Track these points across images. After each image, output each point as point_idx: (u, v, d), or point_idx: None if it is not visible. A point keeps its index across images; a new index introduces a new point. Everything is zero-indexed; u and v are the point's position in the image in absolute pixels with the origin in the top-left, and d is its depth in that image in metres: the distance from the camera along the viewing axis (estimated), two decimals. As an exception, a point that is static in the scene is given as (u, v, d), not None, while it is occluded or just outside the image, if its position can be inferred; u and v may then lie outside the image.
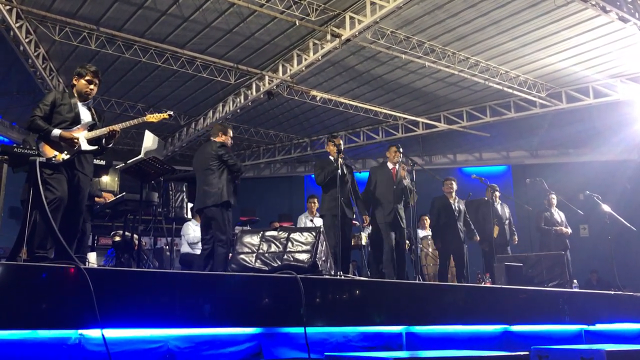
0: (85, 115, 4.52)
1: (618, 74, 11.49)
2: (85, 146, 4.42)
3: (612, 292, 6.68)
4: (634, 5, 8.82)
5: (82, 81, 4.51)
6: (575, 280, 8.66)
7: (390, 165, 7.37)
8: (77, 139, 4.36)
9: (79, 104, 4.51)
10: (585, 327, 5.75)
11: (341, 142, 7.06)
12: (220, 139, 6.05)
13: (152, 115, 4.94)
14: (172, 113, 4.93)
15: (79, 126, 4.43)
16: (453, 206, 8.40)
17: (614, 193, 11.67)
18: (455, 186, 8.56)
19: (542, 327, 5.43)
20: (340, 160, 6.62)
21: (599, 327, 5.86)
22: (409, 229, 8.07)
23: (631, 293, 7.06)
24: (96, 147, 4.50)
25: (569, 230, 9.40)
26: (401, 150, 7.46)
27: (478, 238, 8.68)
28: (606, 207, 9.03)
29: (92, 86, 4.54)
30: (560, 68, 11.43)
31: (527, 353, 3.66)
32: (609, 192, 10.53)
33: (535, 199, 10.45)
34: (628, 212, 9.65)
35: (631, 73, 11.41)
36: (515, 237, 9.33)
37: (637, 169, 13.95)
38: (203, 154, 6.03)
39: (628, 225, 9.06)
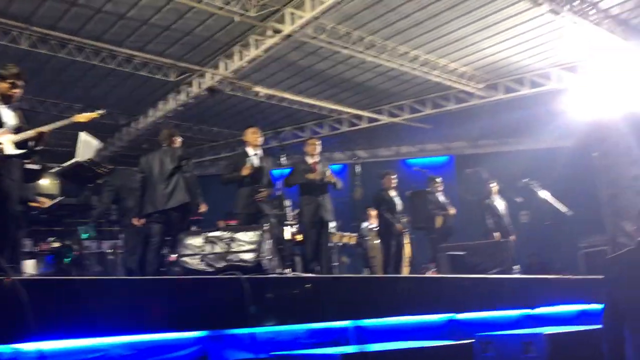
0: (9, 118, 4.32)
1: (553, 64, 11.87)
2: (11, 150, 4.23)
3: (552, 276, 6.92)
4: (564, -2, 9.13)
5: (3, 83, 4.31)
6: (517, 266, 8.93)
7: (309, 159, 7.33)
8: (1, 143, 4.18)
9: (2, 107, 4.31)
10: (527, 311, 5.94)
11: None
12: (177, 144, 6.80)
13: (81, 115, 4.76)
14: (102, 111, 4.77)
15: (2, 130, 4.24)
16: (394, 200, 8.63)
17: (550, 179, 12.10)
18: (396, 180, 8.77)
19: (486, 314, 5.57)
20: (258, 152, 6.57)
21: (540, 310, 6.07)
22: (356, 222, 8.19)
23: (569, 276, 7.35)
24: (24, 150, 4.32)
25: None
26: (318, 143, 7.44)
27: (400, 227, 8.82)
28: (544, 193, 9.36)
29: (15, 89, 4.34)
30: (497, 59, 11.72)
31: (471, 341, 3.74)
32: (546, 178, 10.91)
33: (477, 188, 10.71)
34: (564, 197, 10.02)
35: (565, 63, 11.81)
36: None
37: (571, 156, 14.49)
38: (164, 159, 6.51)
39: (564, 210, 9.43)
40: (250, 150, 6.68)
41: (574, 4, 9.30)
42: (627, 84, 11.07)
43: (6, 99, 4.30)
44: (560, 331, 4.15)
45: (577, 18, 9.25)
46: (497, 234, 9.39)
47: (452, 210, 9.53)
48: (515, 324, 5.76)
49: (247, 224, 6.04)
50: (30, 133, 4.28)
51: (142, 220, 6.74)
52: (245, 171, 6.26)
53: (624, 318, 3.12)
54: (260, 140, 6.72)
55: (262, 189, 6.53)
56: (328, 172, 7.20)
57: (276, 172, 7.14)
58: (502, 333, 4.37)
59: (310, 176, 7.03)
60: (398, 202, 8.76)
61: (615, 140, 11.85)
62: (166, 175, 6.42)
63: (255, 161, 6.51)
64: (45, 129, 4.33)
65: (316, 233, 7.00)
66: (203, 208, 9.26)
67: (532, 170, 11.89)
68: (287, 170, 7.39)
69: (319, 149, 7.37)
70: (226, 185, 6.74)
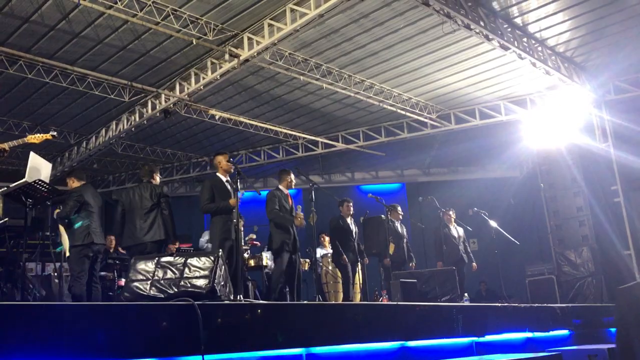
0: None
1: (502, 96, 12.30)
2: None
3: (500, 304, 7.06)
4: (513, 35, 9.50)
5: None
6: (466, 294, 9.09)
7: (285, 191, 7.41)
8: None
9: None
10: (475, 339, 6.04)
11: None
12: (156, 181, 7.07)
13: (34, 136, 4.64)
14: (55, 134, 4.68)
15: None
16: (351, 227, 8.73)
17: (500, 208, 12.45)
18: (352, 208, 8.89)
19: (437, 342, 5.63)
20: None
21: (489, 338, 6.18)
22: (308, 248, 8.21)
23: (516, 304, 7.53)
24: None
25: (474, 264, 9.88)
26: (293, 176, 7.54)
27: (367, 261, 9.00)
28: (493, 223, 9.61)
29: None
30: (449, 91, 12.07)
31: (422, 369, 3.78)
32: (496, 207, 11.22)
33: (428, 216, 10.90)
34: (512, 226, 10.32)
35: (514, 96, 12.27)
36: (413, 263, 9.72)
37: (520, 185, 14.96)
38: (143, 194, 6.88)
39: (512, 239, 9.69)
40: (221, 177, 6.73)
41: (523, 40, 9.70)
42: (573, 117, 11.57)
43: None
44: (508, 359, 4.23)
45: (525, 54, 9.63)
46: (439, 263, 9.57)
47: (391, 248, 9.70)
48: (463, 351, 5.84)
49: (226, 250, 6.18)
50: None
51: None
52: (233, 202, 6.29)
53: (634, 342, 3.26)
54: (229, 166, 6.75)
55: (241, 219, 6.68)
56: (302, 217, 7.29)
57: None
58: (452, 360, 4.44)
59: (297, 223, 7.19)
60: (354, 229, 8.88)
61: (561, 172, 12.32)
62: (145, 210, 6.77)
63: (230, 189, 6.56)
64: (4, 145, 4.20)
65: (290, 261, 7.05)
66: (175, 246, 9.24)
67: (483, 199, 12.22)
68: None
69: (294, 182, 7.56)
70: (208, 213, 6.74)
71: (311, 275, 9.86)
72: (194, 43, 9.37)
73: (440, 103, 12.79)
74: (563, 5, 9.03)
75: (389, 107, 12.28)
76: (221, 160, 6.80)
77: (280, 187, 7.41)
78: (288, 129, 13.80)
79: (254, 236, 9.76)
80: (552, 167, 12.78)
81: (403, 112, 12.55)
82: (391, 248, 9.07)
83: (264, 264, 8.96)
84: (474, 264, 10.03)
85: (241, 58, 9.66)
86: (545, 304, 7.89)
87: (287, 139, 14.61)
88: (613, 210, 11.32)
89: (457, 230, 10.07)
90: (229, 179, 6.68)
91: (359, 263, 9.02)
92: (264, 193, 7.90)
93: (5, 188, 5.48)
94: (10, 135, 11.51)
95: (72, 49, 9.78)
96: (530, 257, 12.93)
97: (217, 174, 6.81)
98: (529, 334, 6.76)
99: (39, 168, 5.39)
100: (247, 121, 13.08)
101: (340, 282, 9.43)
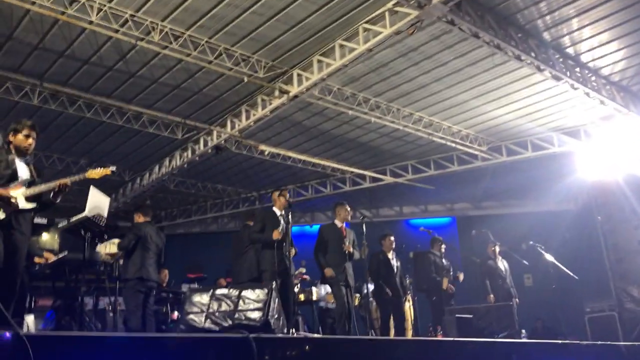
0: (23, 172, 4.35)
1: (554, 128, 12.04)
2: (23, 204, 4.24)
3: (561, 341, 6.77)
4: (566, 65, 9.34)
5: (20, 136, 4.38)
6: (523, 330, 8.77)
7: (338, 223, 7.40)
8: (15, 197, 4.18)
9: (17, 160, 4.35)
10: (536, 377, 5.80)
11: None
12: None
13: (94, 171, 4.76)
14: (114, 168, 4.81)
15: (16, 183, 4.26)
16: (392, 262, 8.57)
17: (554, 242, 12.05)
18: (394, 242, 8.76)
19: (495, 379, 5.43)
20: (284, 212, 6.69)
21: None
22: (359, 282, 8.11)
23: (577, 342, 7.20)
24: (35, 204, 4.33)
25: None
26: (349, 208, 7.53)
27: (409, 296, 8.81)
28: (549, 257, 9.31)
29: (29, 140, 4.41)
30: (500, 123, 11.90)
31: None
32: (549, 241, 10.86)
33: (481, 250, 10.65)
34: (568, 260, 9.95)
35: (567, 127, 11.99)
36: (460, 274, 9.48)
37: (574, 219, 14.48)
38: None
39: (570, 274, 9.34)
40: (277, 211, 6.86)
41: (575, 70, 9.52)
42: (629, 147, 11.21)
43: (21, 152, 4.36)
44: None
45: (578, 84, 9.44)
46: (491, 297, 9.28)
47: (460, 276, 9.49)
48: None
49: (277, 281, 6.16)
50: (50, 185, 4.30)
51: None
52: (276, 235, 6.45)
53: None
54: (284, 203, 6.86)
55: (292, 248, 6.73)
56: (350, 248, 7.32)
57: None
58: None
59: (357, 256, 7.36)
60: (395, 264, 8.72)
61: (619, 204, 11.89)
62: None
63: (283, 223, 6.65)
64: (67, 180, 4.35)
65: (345, 295, 7.06)
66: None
67: (535, 232, 11.85)
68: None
69: (350, 214, 7.56)
70: (254, 243, 6.92)
71: (359, 311, 9.75)
72: (245, 80, 9.57)
73: (491, 135, 12.61)
74: (617, 34, 8.84)
75: (438, 140, 12.18)
76: (274, 194, 7.06)
77: (336, 221, 7.42)
78: (335, 163, 13.84)
79: (304, 270, 9.71)
80: (608, 199, 12.34)
81: (453, 145, 12.42)
82: (445, 282, 8.88)
83: (314, 298, 8.90)
84: (460, 275, 9.62)
85: (291, 94, 9.80)
86: (609, 342, 7.52)
87: (335, 174, 14.63)
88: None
89: (502, 264, 9.79)
90: (283, 213, 6.76)
91: (406, 298, 8.84)
92: (315, 227, 7.94)
93: (66, 222, 5.65)
94: (68, 173, 11.84)
95: (128, 88, 10.15)
96: (588, 294, 12.40)
97: (274, 207, 7.00)
98: (593, 374, 6.45)
99: (98, 203, 5.55)
100: (296, 156, 13.18)
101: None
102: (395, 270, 8.63)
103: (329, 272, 7.01)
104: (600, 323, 11.28)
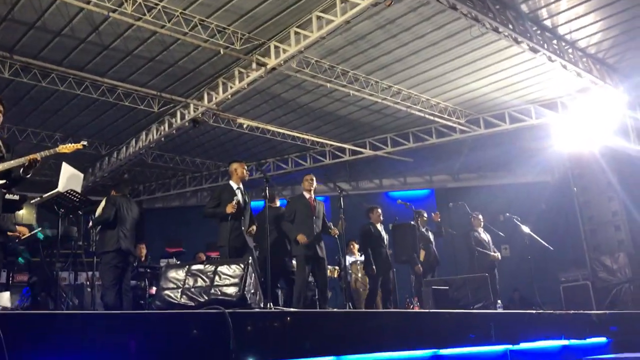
0: None
1: (532, 100, 12.10)
2: (-8, 180, 4.16)
3: (534, 312, 6.90)
4: (543, 37, 9.35)
5: None
6: (499, 301, 8.92)
7: (307, 194, 7.33)
8: None
9: None
10: (510, 346, 5.91)
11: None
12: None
13: (65, 146, 4.65)
14: (86, 143, 4.71)
15: (-18, 160, 4.18)
16: (382, 233, 8.64)
17: (531, 214, 12.19)
18: (381, 215, 8.81)
19: (470, 349, 5.52)
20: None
21: (523, 345, 6.03)
22: (338, 256, 8.13)
23: (551, 311, 7.34)
24: (4, 180, 4.24)
25: (498, 255, 9.68)
26: (314, 178, 7.45)
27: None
28: (525, 228, 9.42)
29: None
30: (478, 95, 11.93)
31: (456, 377, 3.70)
32: (526, 213, 10.98)
33: (458, 222, 10.75)
34: (544, 232, 10.10)
35: (544, 99, 12.06)
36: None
37: (551, 191, 14.67)
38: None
39: (545, 245, 9.48)
40: (233, 184, 6.60)
41: (553, 42, 9.54)
42: (606, 120, 11.31)
43: (-14, 127, 4.26)
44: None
45: (555, 57, 9.46)
46: (495, 254, 9.47)
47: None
48: (499, 359, 5.72)
49: (233, 257, 5.99)
50: (20, 161, 4.21)
51: None
52: (230, 209, 6.21)
53: None
54: (246, 174, 6.67)
55: (252, 225, 6.55)
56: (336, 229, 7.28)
57: (253, 203, 7.07)
58: (486, 369, 4.33)
59: (333, 233, 7.23)
60: (384, 235, 8.78)
61: (595, 176, 12.05)
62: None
63: (240, 197, 6.44)
64: (37, 155, 4.26)
65: (311, 268, 6.99)
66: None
67: (513, 205, 11.99)
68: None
69: (315, 184, 7.40)
70: (209, 218, 6.62)
71: (339, 283, 9.82)
72: (222, 53, 9.43)
73: (469, 108, 12.65)
74: (594, 6, 8.85)
75: (417, 113, 12.18)
76: (237, 167, 6.65)
77: (304, 192, 7.35)
78: (315, 136, 13.80)
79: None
80: (584, 171, 12.52)
81: (431, 118, 12.44)
82: (422, 254, 8.96)
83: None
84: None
85: (268, 66, 9.70)
86: (581, 311, 7.69)
87: (314, 147, 14.60)
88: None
89: (485, 235, 9.91)
90: (241, 186, 6.59)
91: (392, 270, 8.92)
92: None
93: (39, 198, 5.57)
94: (43, 147, 11.66)
95: (102, 60, 9.95)
96: (563, 264, 12.63)
97: (230, 181, 6.68)
98: (564, 342, 6.59)
99: (71, 178, 5.47)
100: (275, 129, 13.11)
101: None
102: (385, 242, 8.70)
103: (302, 238, 6.82)
104: (574, 292, 11.55)
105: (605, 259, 11.59)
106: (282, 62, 9.59)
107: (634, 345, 7.31)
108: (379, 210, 8.88)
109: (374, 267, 8.49)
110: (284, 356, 4.02)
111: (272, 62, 9.63)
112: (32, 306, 6.87)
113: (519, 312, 7.27)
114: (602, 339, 7.16)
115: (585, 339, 6.84)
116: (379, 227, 8.77)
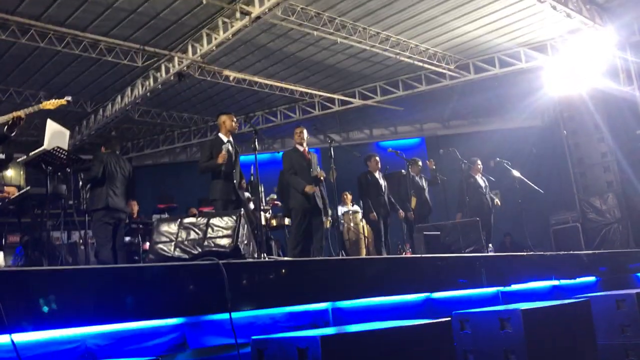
0: None
1: (522, 43, 11.96)
2: (-25, 140, 4.09)
3: (525, 253, 7.01)
4: (532, -23, 9.18)
5: None
6: (490, 245, 9.03)
7: (300, 147, 7.28)
8: None
9: None
10: (501, 288, 6.01)
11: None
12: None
13: (48, 102, 4.59)
14: (70, 99, 4.64)
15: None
16: (380, 181, 8.69)
17: (521, 158, 12.24)
18: (379, 162, 8.84)
19: (462, 292, 5.61)
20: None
21: (514, 287, 6.14)
22: (330, 207, 8.16)
23: (541, 252, 7.46)
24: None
25: (498, 201, 9.73)
26: (304, 130, 7.38)
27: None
28: (516, 173, 9.48)
29: None
30: (467, 39, 11.77)
31: (449, 319, 3.76)
32: (517, 157, 11.03)
33: (449, 169, 10.77)
34: (535, 175, 10.17)
35: (534, 42, 11.92)
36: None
37: (541, 135, 14.69)
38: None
39: (536, 188, 9.56)
40: (223, 137, 6.55)
41: (542, -17, 9.37)
42: (596, 61, 11.24)
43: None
44: (535, 306, 4.19)
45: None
46: (459, 215, 9.50)
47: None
48: (489, 301, 5.82)
49: (225, 210, 6.00)
50: (4, 118, 4.13)
51: None
52: (220, 159, 6.16)
53: None
54: (235, 126, 6.61)
55: (242, 179, 6.56)
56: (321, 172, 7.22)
57: (244, 157, 7.02)
58: (478, 310, 4.40)
59: (307, 190, 6.99)
60: (383, 183, 8.82)
61: (584, 119, 12.06)
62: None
63: (230, 148, 6.40)
64: (21, 113, 4.18)
65: (309, 220, 7.02)
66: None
67: (503, 150, 12.01)
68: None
69: (305, 135, 7.34)
70: (204, 173, 6.59)
71: (333, 233, 9.89)
72: (204, 2, 9.20)
73: (459, 53, 12.50)
74: (584, -57, 8.67)
75: (406, 60, 12.03)
76: (225, 120, 6.57)
77: (296, 145, 7.30)
78: (303, 87, 13.64)
79: (275, 196, 9.74)
80: (574, 114, 12.51)
81: (420, 64, 12.30)
82: (413, 202, 9.02)
83: (286, 223, 8.97)
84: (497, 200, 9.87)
85: (252, 15, 9.47)
86: (571, 252, 7.82)
87: (303, 98, 14.45)
88: (638, 156, 11.10)
89: (483, 181, 9.94)
90: (231, 139, 6.54)
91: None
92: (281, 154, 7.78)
93: (25, 157, 5.50)
94: (26, 107, 11.52)
95: (82, 15, 9.68)
96: (554, 206, 12.78)
97: (220, 134, 6.61)
98: (555, 282, 6.71)
99: (57, 135, 5.39)
100: (262, 81, 12.94)
101: (363, 238, 9.43)
102: (383, 189, 8.77)
103: (311, 188, 6.83)
104: (564, 234, 11.72)
105: (594, 201, 11.72)
106: (266, 10, 9.35)
107: (623, 283, 7.48)
108: (377, 158, 8.89)
109: (374, 213, 8.56)
110: (279, 304, 4.07)
111: (256, 10, 9.39)
112: (25, 265, 6.89)
113: (510, 254, 7.38)
114: (592, 278, 7.31)
115: (575, 278, 6.98)
116: (377, 175, 8.81)
